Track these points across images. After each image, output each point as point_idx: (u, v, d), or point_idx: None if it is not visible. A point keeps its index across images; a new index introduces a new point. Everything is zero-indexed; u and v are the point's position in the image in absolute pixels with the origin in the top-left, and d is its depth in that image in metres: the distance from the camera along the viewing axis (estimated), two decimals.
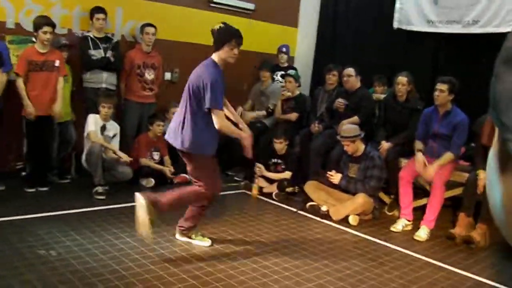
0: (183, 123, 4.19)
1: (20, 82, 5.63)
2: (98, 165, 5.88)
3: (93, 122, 6.06)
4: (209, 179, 4.35)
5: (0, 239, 4.29)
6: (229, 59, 4.24)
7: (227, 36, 4.15)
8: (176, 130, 4.26)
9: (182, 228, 4.64)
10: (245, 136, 4.28)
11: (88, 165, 5.99)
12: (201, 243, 4.63)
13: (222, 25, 4.15)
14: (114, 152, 6.14)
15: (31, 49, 5.76)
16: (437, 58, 7.33)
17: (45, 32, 5.62)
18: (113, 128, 6.28)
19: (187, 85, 4.27)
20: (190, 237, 4.66)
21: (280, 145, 6.68)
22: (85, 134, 6.08)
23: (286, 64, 8.29)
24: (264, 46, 8.38)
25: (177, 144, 4.26)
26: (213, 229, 5.08)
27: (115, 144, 6.29)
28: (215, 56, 4.23)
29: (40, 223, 4.79)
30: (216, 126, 4.10)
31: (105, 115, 6.13)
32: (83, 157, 6.04)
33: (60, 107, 5.95)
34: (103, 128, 6.14)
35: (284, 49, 8.24)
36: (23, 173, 6.23)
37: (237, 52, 4.22)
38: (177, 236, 4.69)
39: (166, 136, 4.49)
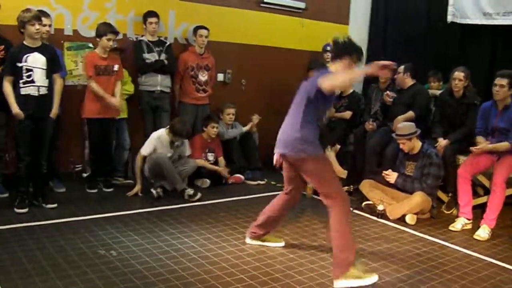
0: (296, 128, 4.00)
1: (94, 84, 5.84)
2: (170, 173, 5.96)
3: (162, 146, 6.09)
4: (335, 183, 4.04)
5: (64, 239, 4.44)
6: (346, 74, 3.95)
7: (350, 49, 3.97)
8: (288, 139, 4.06)
9: (255, 234, 4.59)
10: None
11: (154, 175, 6.05)
12: (275, 244, 4.60)
13: (347, 38, 3.98)
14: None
15: (94, 54, 5.93)
16: (494, 51, 7.13)
17: (109, 39, 5.81)
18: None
19: (300, 92, 4.13)
20: (263, 240, 4.59)
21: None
22: (148, 152, 6.07)
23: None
24: (316, 44, 8.32)
25: (292, 152, 4.03)
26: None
27: (186, 149, 6.40)
28: (332, 67, 4.01)
29: (100, 224, 4.92)
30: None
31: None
32: (146, 168, 6.07)
33: (119, 101, 6.11)
34: (171, 142, 6.18)
35: (328, 48, 8.12)
36: (84, 174, 6.43)
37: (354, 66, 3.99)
38: (248, 240, 4.64)
39: (279, 151, 4.24)
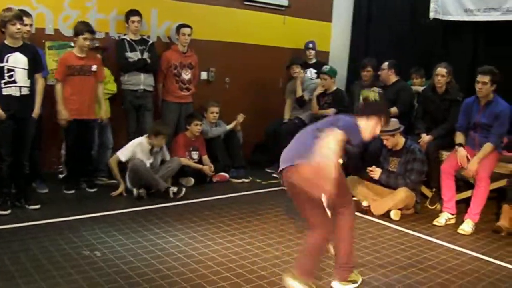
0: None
1: (58, 87, 5.75)
2: (148, 177, 5.92)
3: (142, 154, 6.06)
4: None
5: (48, 240, 4.40)
6: (370, 133, 3.65)
7: (381, 111, 3.68)
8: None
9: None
10: None
11: (133, 181, 5.97)
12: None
13: (378, 97, 3.73)
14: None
15: (70, 54, 5.86)
16: (476, 47, 7.19)
17: (85, 38, 5.73)
18: None
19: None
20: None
21: None
22: (126, 159, 6.02)
23: (314, 60, 8.20)
24: (298, 42, 8.34)
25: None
26: (254, 226, 5.09)
27: (166, 153, 6.38)
28: (360, 122, 3.60)
29: (84, 224, 4.88)
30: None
31: (159, 145, 6.20)
32: (127, 176, 6.03)
33: (104, 111, 6.10)
34: (151, 149, 6.15)
35: (310, 45, 8.13)
36: (60, 176, 6.35)
37: (379, 130, 3.73)
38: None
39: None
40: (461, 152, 5.52)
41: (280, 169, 3.58)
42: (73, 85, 5.81)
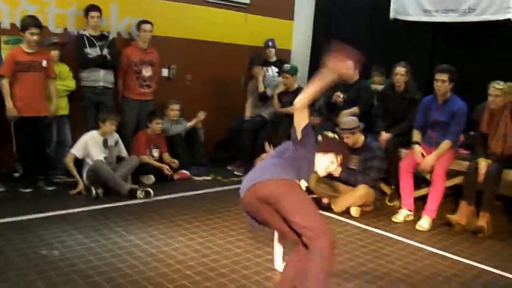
0: None
1: (4, 83, 5.60)
2: (110, 179, 5.85)
3: (96, 147, 5.96)
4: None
5: (3, 240, 4.29)
6: (324, 168, 3.53)
7: (338, 149, 3.58)
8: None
9: None
10: None
11: (92, 181, 5.89)
12: None
13: (337, 136, 3.72)
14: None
15: (18, 49, 5.71)
16: (434, 47, 7.31)
17: (32, 34, 5.58)
18: (113, 135, 6.22)
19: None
20: None
21: None
22: (81, 155, 5.96)
23: (275, 58, 8.20)
24: (260, 40, 8.34)
25: None
26: (215, 224, 5.08)
27: (122, 149, 6.30)
28: (317, 156, 3.49)
29: (42, 223, 4.78)
30: None
31: (110, 132, 6.09)
32: (84, 174, 5.97)
33: (55, 107, 5.97)
34: (105, 141, 6.07)
35: (270, 43, 8.13)
36: (16, 174, 6.19)
37: (336, 165, 3.55)
38: None
39: None
40: (417, 149, 5.64)
41: (243, 193, 3.20)
42: (22, 82, 5.66)
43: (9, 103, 5.60)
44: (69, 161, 5.92)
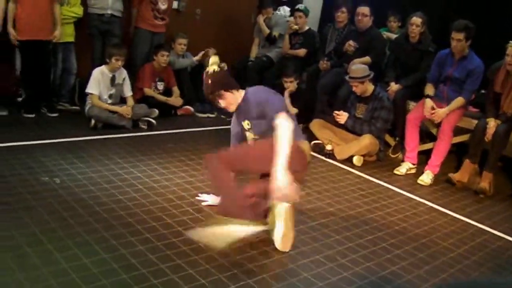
0: None
1: (10, 5, 5.45)
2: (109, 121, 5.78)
3: (97, 83, 5.77)
4: None
5: (3, 164, 4.25)
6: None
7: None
8: None
9: None
10: None
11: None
12: None
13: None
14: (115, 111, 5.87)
15: None
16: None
17: None
18: (122, 73, 6.02)
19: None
20: None
21: (290, 84, 6.53)
22: (87, 90, 5.80)
23: None
24: None
25: None
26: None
27: (126, 87, 6.06)
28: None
29: (44, 149, 4.73)
30: None
31: (118, 68, 5.90)
32: (86, 109, 5.84)
33: (60, 31, 5.81)
34: (112, 79, 5.90)
35: None
36: (19, 99, 6.09)
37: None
38: None
39: None
40: (428, 103, 5.54)
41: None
42: (25, 3, 5.48)
43: (10, 29, 5.48)
44: (96, 103, 5.74)
